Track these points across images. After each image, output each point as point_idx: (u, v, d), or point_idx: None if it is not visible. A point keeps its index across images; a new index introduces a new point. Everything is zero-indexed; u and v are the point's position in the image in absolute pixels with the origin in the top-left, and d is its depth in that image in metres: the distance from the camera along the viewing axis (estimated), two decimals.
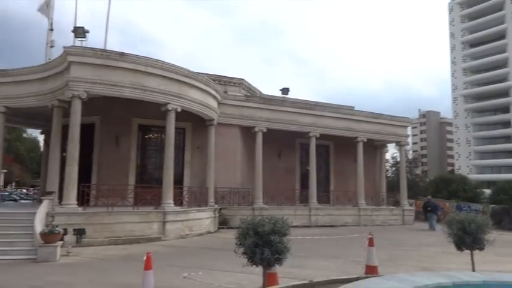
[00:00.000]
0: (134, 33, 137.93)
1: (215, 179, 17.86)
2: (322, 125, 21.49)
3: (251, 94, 22.68)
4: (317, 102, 24.61)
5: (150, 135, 17.98)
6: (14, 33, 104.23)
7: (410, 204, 26.24)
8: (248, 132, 20.03)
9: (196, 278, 7.94)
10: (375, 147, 25.60)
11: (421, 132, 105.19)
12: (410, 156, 57.46)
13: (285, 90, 23.53)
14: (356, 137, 22.56)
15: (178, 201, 15.27)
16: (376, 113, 23.76)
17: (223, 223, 17.95)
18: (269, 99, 21.65)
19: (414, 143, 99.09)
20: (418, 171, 61.06)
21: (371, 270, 8.20)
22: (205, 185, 17.46)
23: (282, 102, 21.53)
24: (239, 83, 21.71)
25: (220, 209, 18.00)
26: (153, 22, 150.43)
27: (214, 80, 18.17)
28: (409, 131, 26.24)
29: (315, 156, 21.36)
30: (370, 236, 8.56)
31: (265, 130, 19.89)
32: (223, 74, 21.21)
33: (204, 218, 16.06)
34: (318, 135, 21.26)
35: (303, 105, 21.99)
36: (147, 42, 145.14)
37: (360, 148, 22.59)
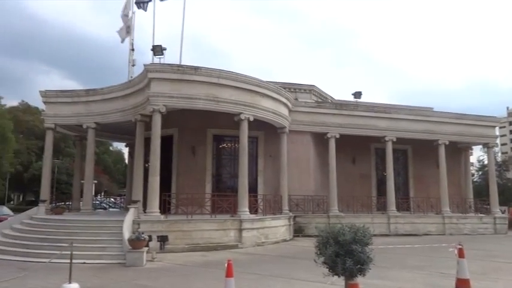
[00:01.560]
0: (205, 47, 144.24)
1: (288, 187, 17.82)
2: (398, 129, 20.48)
3: (322, 100, 22.39)
4: (392, 104, 23.53)
5: (224, 145, 18.49)
6: (98, 54, 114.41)
7: (503, 212, 23.89)
8: (320, 139, 19.74)
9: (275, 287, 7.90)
10: (459, 150, 23.79)
11: (511, 132, 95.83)
12: (499, 159, 52.51)
13: (358, 94, 22.83)
14: (437, 140, 21.15)
15: (253, 209, 15.47)
16: (459, 114, 22.09)
17: (298, 231, 17.81)
18: (341, 104, 21.18)
19: (503, 144, 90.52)
20: (510, 174, 55.57)
21: (462, 284, 7.53)
22: (279, 193, 17.48)
23: (355, 106, 20.93)
24: (310, 89, 21.55)
25: (295, 216, 17.89)
26: (221, 35, 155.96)
27: (284, 88, 18.23)
28: (497, 131, 24.02)
29: (392, 161, 20.40)
30: (460, 246, 7.88)
31: (338, 136, 19.46)
32: (293, 81, 21.24)
33: (279, 226, 16.06)
34: (394, 139, 20.30)
35: (378, 108, 21.16)
36: (217, 55, 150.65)
37: (442, 151, 21.11)
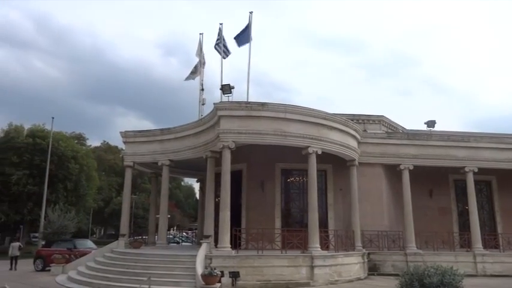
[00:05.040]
0: (268, 81, 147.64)
1: (360, 222, 17.11)
2: (479, 158, 18.94)
3: (392, 130, 21.58)
4: (470, 132, 22.00)
5: (292, 179, 18.41)
6: (168, 94, 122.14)
7: None
8: (393, 171, 18.89)
9: None
10: None
11: None
12: None
13: (431, 123, 21.68)
14: None
15: (324, 245, 15.00)
16: None
17: (372, 269, 16.85)
18: (413, 134, 20.21)
19: None
20: None
21: None
22: (351, 228, 16.85)
23: (429, 136, 19.86)
24: (378, 120, 20.93)
25: (369, 253, 17.01)
26: (283, 70, 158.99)
27: (352, 120, 17.93)
28: None
29: (474, 193, 18.82)
30: None
31: (411, 167, 18.49)
32: (360, 112, 20.78)
33: (352, 263, 15.34)
34: (475, 170, 18.77)
35: (454, 137, 19.84)
36: (281, 88, 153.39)
37: None
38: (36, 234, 32.95)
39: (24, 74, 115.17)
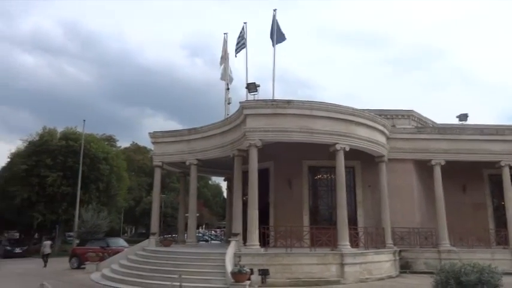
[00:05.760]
0: (292, 79, 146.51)
1: (391, 218, 16.79)
2: None
3: (422, 125, 21.00)
4: (506, 125, 21.11)
5: (320, 176, 18.25)
6: (193, 95, 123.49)
7: None
8: (424, 166, 18.42)
9: None
10: None
11: None
12: None
13: (463, 117, 21.00)
14: None
15: (353, 242, 14.81)
16: None
17: (404, 267, 16.49)
18: (445, 129, 19.62)
19: None
20: None
21: None
22: (381, 225, 16.55)
23: (461, 130, 19.23)
24: (407, 114, 20.42)
25: (400, 251, 16.66)
26: (308, 67, 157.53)
27: (380, 115, 17.55)
28: None
29: (511, 188, 18.08)
30: None
31: (443, 163, 17.96)
32: (388, 107, 20.34)
33: (383, 261, 15.07)
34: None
35: (488, 130, 19.12)
36: (306, 87, 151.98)
37: None
38: (71, 233, 34.11)
39: (56, 79, 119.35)
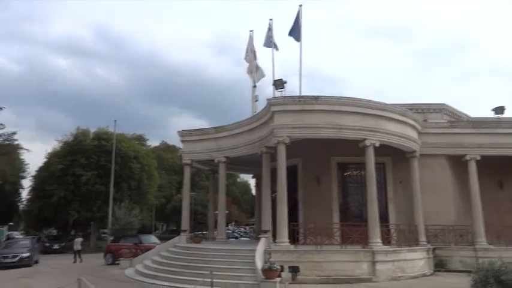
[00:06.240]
0: (319, 75, 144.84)
1: (424, 215, 16.38)
2: None
3: (456, 119, 20.33)
4: None
5: (349, 173, 18.02)
6: (220, 92, 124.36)
7: None
8: (458, 162, 17.83)
9: None
10: None
11: None
12: None
13: (499, 110, 20.13)
14: None
15: (385, 239, 14.55)
16: None
17: (439, 265, 16.04)
18: (479, 122, 18.90)
19: None
20: None
21: None
22: (413, 222, 16.17)
23: (497, 123, 18.48)
24: (440, 108, 19.81)
25: (434, 249, 16.22)
26: (335, 63, 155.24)
27: (411, 110, 17.15)
28: None
29: None
30: None
31: (478, 158, 17.34)
32: (419, 101, 19.80)
33: (416, 259, 14.72)
34: None
35: None
36: (333, 83, 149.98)
37: None
38: (105, 230, 35.17)
39: (87, 81, 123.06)
